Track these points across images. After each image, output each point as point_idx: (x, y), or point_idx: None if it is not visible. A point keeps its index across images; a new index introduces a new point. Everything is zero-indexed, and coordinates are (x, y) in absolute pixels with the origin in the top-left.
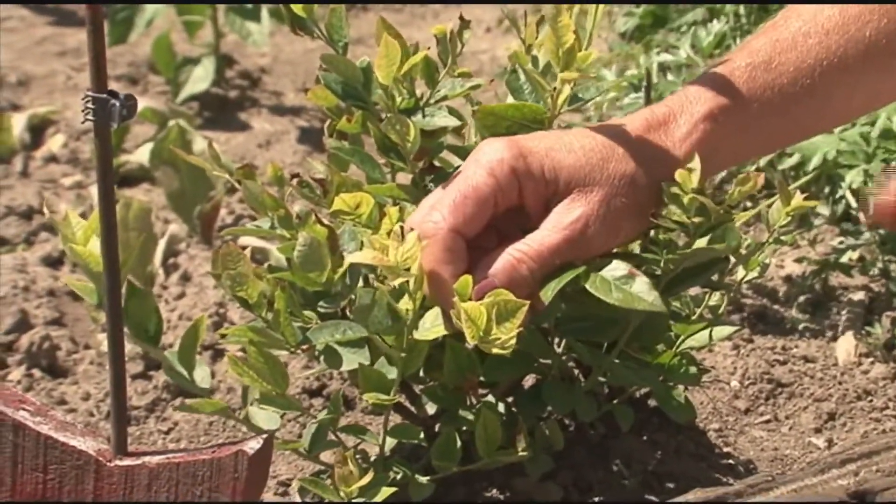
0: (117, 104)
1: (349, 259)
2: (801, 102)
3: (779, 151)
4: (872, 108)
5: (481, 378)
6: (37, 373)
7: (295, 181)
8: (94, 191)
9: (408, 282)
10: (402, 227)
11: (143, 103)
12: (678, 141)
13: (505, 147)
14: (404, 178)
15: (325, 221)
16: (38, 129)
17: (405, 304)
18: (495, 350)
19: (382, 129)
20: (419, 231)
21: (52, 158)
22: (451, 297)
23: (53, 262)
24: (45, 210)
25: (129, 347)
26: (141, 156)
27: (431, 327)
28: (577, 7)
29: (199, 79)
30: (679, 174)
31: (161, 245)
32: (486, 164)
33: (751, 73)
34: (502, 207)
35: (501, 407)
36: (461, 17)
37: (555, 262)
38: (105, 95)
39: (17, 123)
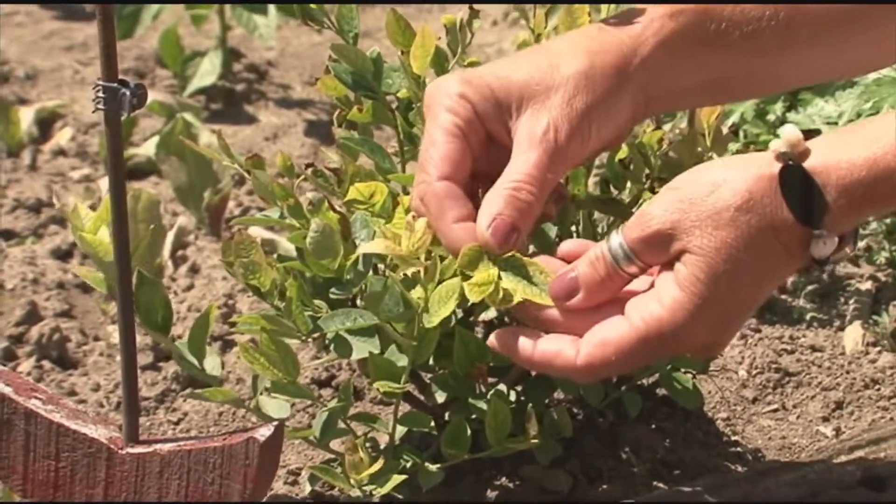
0: (128, 93)
1: (361, 249)
2: (765, 27)
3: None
4: (841, 68)
5: (490, 364)
6: (46, 364)
7: (309, 171)
8: (102, 184)
9: (419, 271)
10: (413, 217)
11: (150, 97)
12: (637, 33)
13: (448, 81)
14: (412, 167)
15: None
16: (47, 123)
17: (417, 294)
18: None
19: (411, 118)
20: (415, 195)
21: (61, 152)
22: (462, 241)
23: (62, 254)
24: (55, 200)
25: (139, 339)
26: (148, 149)
27: (438, 310)
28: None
29: (207, 72)
30: (649, 136)
31: (169, 237)
32: (438, 104)
33: None
34: (475, 141)
35: (511, 396)
36: (470, 7)
37: (547, 176)
38: (115, 85)
39: (26, 117)
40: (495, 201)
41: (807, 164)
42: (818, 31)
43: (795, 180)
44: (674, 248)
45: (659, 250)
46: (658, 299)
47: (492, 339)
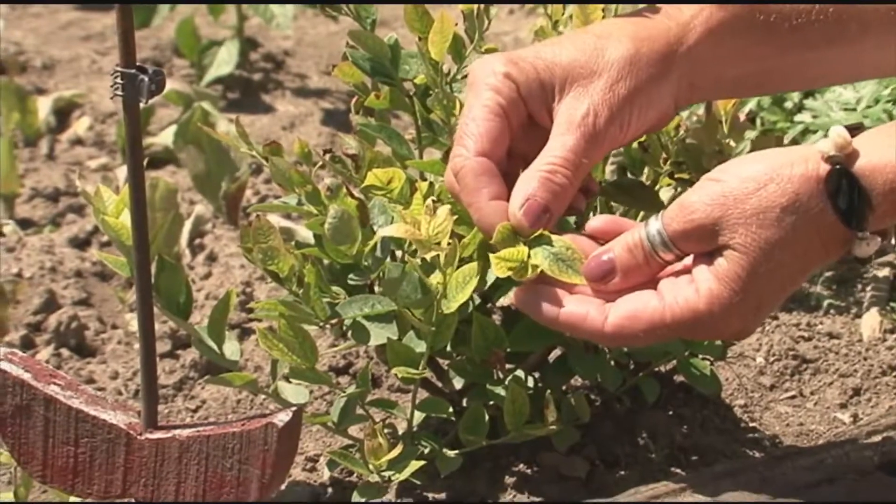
0: (146, 79)
1: (381, 233)
2: (814, 20)
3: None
4: (889, 66)
5: (508, 349)
6: (65, 352)
7: (327, 156)
8: (119, 173)
9: (438, 256)
10: (434, 202)
11: (167, 86)
12: (685, 21)
13: (493, 59)
14: (429, 154)
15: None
16: (64, 113)
17: (436, 279)
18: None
19: (429, 104)
20: (449, 168)
21: (78, 141)
22: (494, 219)
23: (80, 243)
24: (77, 183)
25: (157, 327)
26: (166, 138)
27: (456, 294)
28: None
29: (223, 62)
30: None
31: (187, 226)
32: (482, 82)
33: None
34: (515, 121)
35: (529, 382)
36: None
37: (582, 160)
38: (134, 71)
39: (43, 107)
40: (529, 182)
41: (854, 168)
42: (868, 27)
43: (843, 185)
44: (716, 242)
45: (700, 243)
46: (695, 288)
47: (513, 296)
